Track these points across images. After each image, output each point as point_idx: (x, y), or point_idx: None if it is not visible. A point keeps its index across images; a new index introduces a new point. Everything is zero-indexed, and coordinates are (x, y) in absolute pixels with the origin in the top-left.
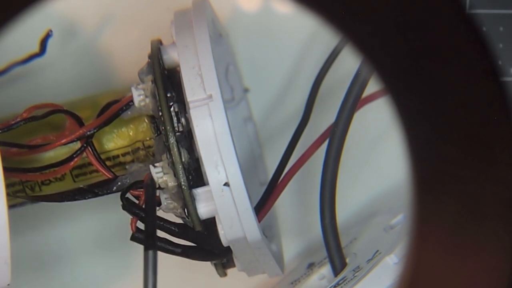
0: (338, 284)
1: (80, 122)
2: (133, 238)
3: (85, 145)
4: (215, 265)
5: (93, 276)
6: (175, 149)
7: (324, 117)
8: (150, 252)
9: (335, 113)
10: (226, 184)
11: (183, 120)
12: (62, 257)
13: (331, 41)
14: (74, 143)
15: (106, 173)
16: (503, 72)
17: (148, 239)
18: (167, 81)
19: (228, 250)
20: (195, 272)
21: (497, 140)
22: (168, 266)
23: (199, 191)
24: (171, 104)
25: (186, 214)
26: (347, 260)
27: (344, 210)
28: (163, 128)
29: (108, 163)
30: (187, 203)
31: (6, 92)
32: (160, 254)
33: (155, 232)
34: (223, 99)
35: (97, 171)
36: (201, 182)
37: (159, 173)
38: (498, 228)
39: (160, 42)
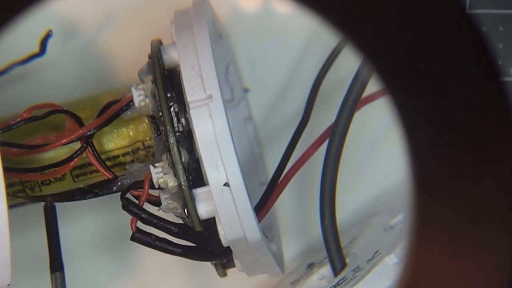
0: (338, 284)
1: (80, 122)
2: (133, 238)
3: (85, 145)
4: (215, 265)
5: (93, 276)
6: (175, 149)
7: (324, 117)
8: (58, 274)
9: (335, 113)
10: (226, 184)
11: (183, 120)
12: (62, 257)
13: (331, 41)
14: (74, 143)
15: (106, 173)
16: (503, 72)
17: (53, 262)
18: (167, 81)
19: (228, 250)
20: (195, 272)
21: (497, 140)
22: (168, 266)
23: (199, 191)
24: (171, 104)
25: (186, 214)
26: (347, 260)
27: (344, 210)
28: (163, 128)
29: (108, 163)
30: (187, 203)
31: (6, 92)
32: (160, 254)
33: (60, 255)
34: (223, 99)
35: (97, 171)
36: (201, 182)
37: (159, 173)
38: (497, 228)
39: (160, 42)
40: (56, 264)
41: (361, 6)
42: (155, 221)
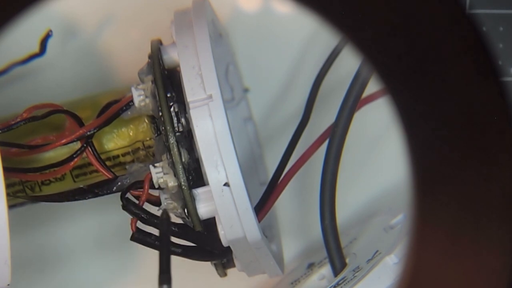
0: (338, 284)
1: (80, 122)
2: (133, 238)
3: (85, 145)
4: (215, 265)
5: (93, 276)
6: (175, 149)
7: (324, 117)
8: (165, 287)
9: (335, 113)
10: (226, 184)
11: (183, 120)
12: (62, 257)
13: (331, 41)
14: (74, 143)
15: (106, 173)
16: (503, 72)
17: (163, 273)
18: (167, 81)
19: (228, 250)
20: (195, 272)
21: (496, 140)
22: None
23: (199, 191)
24: (171, 104)
25: (186, 214)
26: (347, 260)
27: (344, 210)
28: (163, 128)
29: (108, 163)
30: (187, 203)
31: (6, 92)
32: None
33: (169, 267)
34: (223, 99)
35: (97, 171)
36: (201, 182)
37: (159, 173)
38: (497, 228)
39: (160, 42)
40: (166, 277)
41: (361, 6)
42: (155, 221)
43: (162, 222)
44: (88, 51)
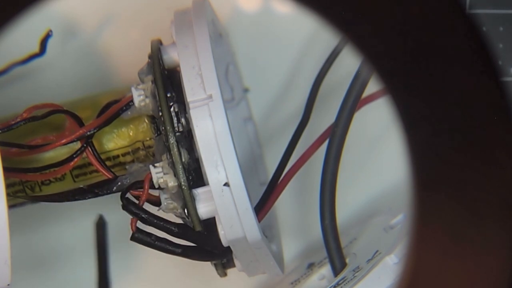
0: (338, 284)
1: (80, 122)
2: (133, 238)
3: (85, 145)
4: (215, 265)
5: (93, 276)
6: (175, 149)
7: (324, 117)
8: None
9: (335, 113)
10: (226, 184)
11: (183, 120)
12: (62, 257)
13: (331, 41)
14: (74, 143)
15: (106, 173)
16: (503, 72)
17: (101, 281)
18: (167, 81)
19: (228, 250)
20: (195, 272)
21: (497, 140)
22: (168, 266)
23: (199, 191)
24: (171, 104)
25: (186, 214)
26: (347, 260)
27: (344, 210)
28: (163, 128)
29: (108, 163)
30: (187, 203)
31: (6, 92)
32: (160, 254)
33: (108, 273)
34: (223, 99)
35: (97, 171)
36: (201, 182)
37: (159, 173)
38: (498, 228)
39: (160, 42)
40: (104, 283)
41: (361, 6)
42: (155, 221)
43: (97, 226)
44: (88, 51)
